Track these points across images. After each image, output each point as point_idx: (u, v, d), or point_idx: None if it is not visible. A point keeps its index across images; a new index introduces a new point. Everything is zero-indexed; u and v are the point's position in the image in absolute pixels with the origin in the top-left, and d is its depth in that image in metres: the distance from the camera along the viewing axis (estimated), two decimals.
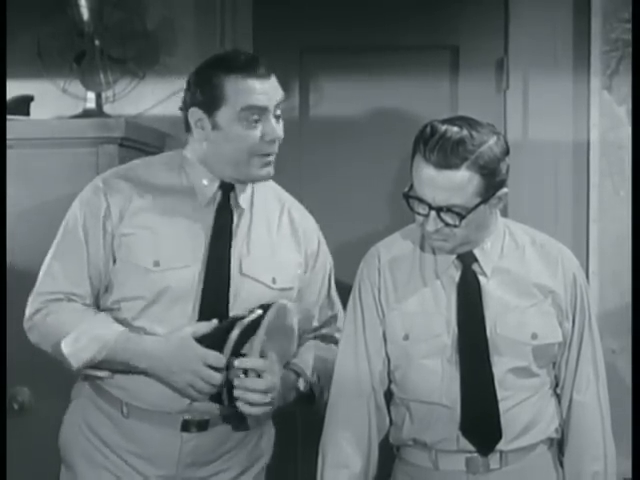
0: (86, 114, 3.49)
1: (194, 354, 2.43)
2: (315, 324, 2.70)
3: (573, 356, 2.47)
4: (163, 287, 2.50)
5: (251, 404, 2.41)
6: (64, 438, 2.67)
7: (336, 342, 2.64)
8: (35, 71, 3.52)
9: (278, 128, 2.53)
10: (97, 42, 3.47)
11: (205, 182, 2.57)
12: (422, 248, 2.49)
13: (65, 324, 2.51)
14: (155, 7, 3.63)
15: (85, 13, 3.44)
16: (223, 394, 2.44)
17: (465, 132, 2.29)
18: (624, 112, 3.46)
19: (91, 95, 3.52)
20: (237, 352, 2.42)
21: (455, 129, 2.29)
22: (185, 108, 2.55)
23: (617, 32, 3.45)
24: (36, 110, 3.51)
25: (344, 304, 2.62)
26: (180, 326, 2.48)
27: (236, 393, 2.41)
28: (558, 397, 2.50)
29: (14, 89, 3.46)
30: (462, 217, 2.31)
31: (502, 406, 2.39)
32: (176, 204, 2.56)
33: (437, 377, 2.41)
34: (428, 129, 2.32)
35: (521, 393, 2.42)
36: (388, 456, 2.56)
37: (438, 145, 2.27)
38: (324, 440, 2.51)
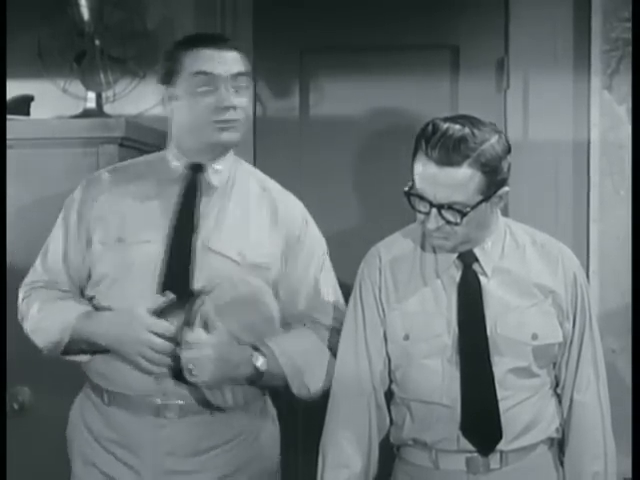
0: (86, 114, 3.49)
1: (140, 323, 2.47)
2: (301, 308, 2.67)
3: (573, 356, 2.47)
4: (127, 262, 2.57)
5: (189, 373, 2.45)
6: (67, 436, 2.72)
7: (322, 326, 2.64)
8: (35, 71, 3.52)
9: (232, 96, 2.56)
10: (97, 42, 3.47)
11: (175, 163, 2.65)
12: (423, 248, 2.49)
13: (35, 308, 2.62)
14: (155, 7, 3.63)
15: (85, 13, 3.45)
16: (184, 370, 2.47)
17: (467, 130, 2.30)
18: (624, 111, 3.45)
19: (91, 95, 3.52)
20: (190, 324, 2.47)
21: (457, 127, 2.30)
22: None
23: (617, 31, 3.45)
24: (36, 110, 3.51)
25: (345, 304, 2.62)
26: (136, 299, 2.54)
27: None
28: (558, 397, 2.50)
29: (14, 89, 3.47)
30: (463, 215, 2.31)
31: (502, 406, 2.39)
32: (147, 186, 2.65)
33: (437, 377, 2.41)
34: (430, 127, 2.32)
35: (521, 393, 2.42)
36: (388, 456, 2.56)
37: (440, 142, 2.28)
38: (324, 440, 2.52)
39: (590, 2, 3.46)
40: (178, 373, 2.48)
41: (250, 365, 2.50)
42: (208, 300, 2.47)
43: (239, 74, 2.58)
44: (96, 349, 2.57)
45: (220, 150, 2.63)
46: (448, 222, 2.32)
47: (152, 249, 2.57)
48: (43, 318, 2.60)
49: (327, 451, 2.50)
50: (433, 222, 2.33)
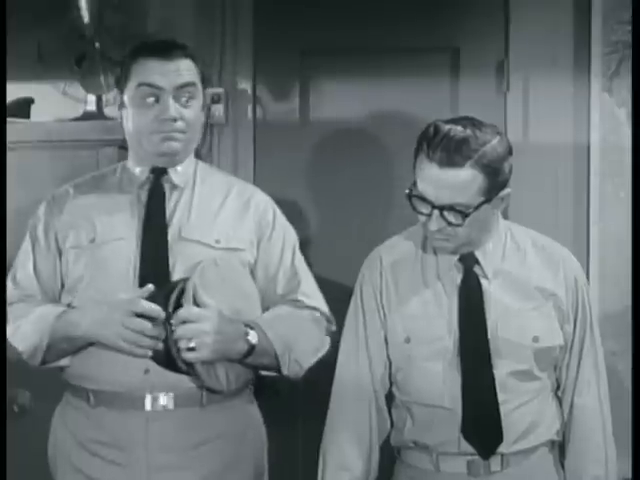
0: (86, 117, 3.49)
1: (119, 305, 2.49)
2: (280, 292, 2.70)
3: (574, 359, 2.48)
4: (102, 261, 2.60)
5: (189, 349, 2.44)
6: (49, 445, 2.72)
7: (303, 306, 2.67)
8: (35, 74, 3.52)
9: (175, 108, 2.59)
10: (97, 45, 3.47)
11: (137, 170, 2.70)
12: (424, 250, 2.49)
13: (12, 317, 2.62)
14: (155, 10, 3.62)
15: (85, 16, 3.44)
16: (173, 352, 2.45)
17: (469, 131, 2.30)
18: (624, 114, 3.45)
19: (91, 98, 3.52)
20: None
21: (459, 128, 2.30)
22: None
23: (617, 34, 3.45)
24: (36, 113, 3.51)
25: (345, 307, 2.61)
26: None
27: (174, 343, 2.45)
28: (559, 400, 2.51)
29: (14, 91, 3.46)
30: (465, 216, 2.31)
31: (503, 409, 2.39)
32: (112, 194, 2.70)
33: (438, 380, 2.41)
34: (432, 129, 2.32)
35: (522, 396, 2.42)
36: (389, 459, 2.56)
37: (442, 144, 2.28)
38: (325, 442, 2.52)
39: (590, 5, 3.46)
40: (168, 358, 2.47)
41: (243, 340, 2.52)
42: (194, 279, 2.47)
43: (185, 85, 2.61)
44: (77, 344, 2.57)
45: (169, 158, 2.67)
46: (450, 224, 2.32)
47: (125, 245, 2.60)
48: (22, 324, 2.61)
49: (328, 454, 2.50)
50: (435, 224, 2.33)
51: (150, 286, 2.50)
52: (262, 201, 2.76)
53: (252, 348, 2.52)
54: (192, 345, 2.43)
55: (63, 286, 2.67)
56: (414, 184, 2.35)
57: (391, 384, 2.51)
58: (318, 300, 2.72)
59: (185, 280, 2.50)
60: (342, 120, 3.64)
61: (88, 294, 2.60)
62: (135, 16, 3.56)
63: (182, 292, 2.48)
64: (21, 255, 2.73)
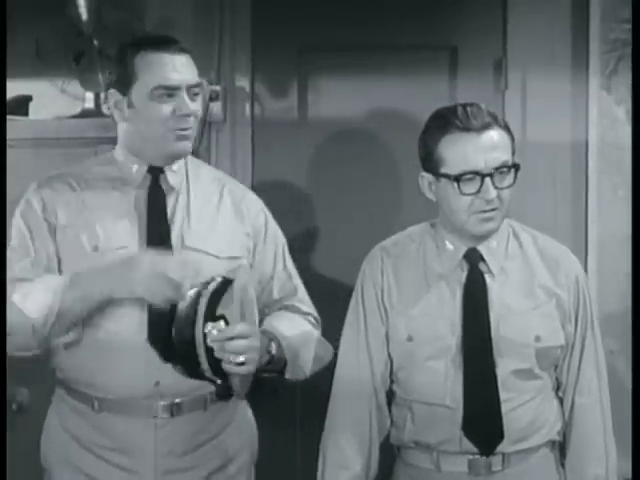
0: (84, 114, 3.49)
1: (151, 259, 2.43)
2: (275, 296, 2.70)
3: (575, 359, 2.48)
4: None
5: (237, 364, 2.38)
6: (43, 445, 2.69)
7: (300, 312, 2.67)
8: (33, 71, 3.51)
9: (191, 104, 2.56)
10: (96, 42, 3.46)
11: (134, 169, 2.63)
12: (425, 249, 2.49)
13: (18, 288, 2.50)
14: (153, 7, 3.62)
15: (84, 13, 3.44)
16: (203, 363, 2.40)
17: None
18: (623, 112, 3.45)
19: (89, 95, 3.51)
20: (212, 319, 2.40)
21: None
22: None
23: (616, 32, 3.45)
24: (35, 110, 3.51)
25: (345, 305, 2.61)
26: (128, 308, 2.50)
27: (220, 355, 2.37)
28: (560, 399, 2.51)
29: (12, 89, 3.45)
30: (517, 169, 2.36)
31: (505, 407, 2.40)
32: (109, 192, 2.62)
33: (441, 378, 2.41)
34: (443, 110, 2.40)
35: (524, 395, 2.42)
36: (389, 457, 2.56)
37: (468, 113, 2.34)
38: (325, 441, 2.52)
39: (588, 3, 3.46)
40: (194, 368, 2.43)
41: (267, 351, 2.52)
42: (235, 292, 2.42)
43: (195, 84, 2.57)
44: (92, 304, 2.48)
45: (176, 157, 2.64)
46: (502, 189, 2.34)
47: (128, 255, 2.53)
48: (30, 290, 2.49)
49: (327, 452, 2.51)
50: (491, 191, 2.33)
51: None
52: (253, 204, 2.74)
53: (272, 358, 2.53)
54: (241, 360, 2.39)
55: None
56: (445, 170, 2.35)
57: (392, 382, 2.51)
58: (310, 305, 2.73)
59: (202, 290, 2.46)
60: (340, 118, 3.63)
61: None
62: (133, 13, 3.55)
63: (212, 297, 2.42)
64: (15, 248, 2.59)
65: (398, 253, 2.51)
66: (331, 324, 2.71)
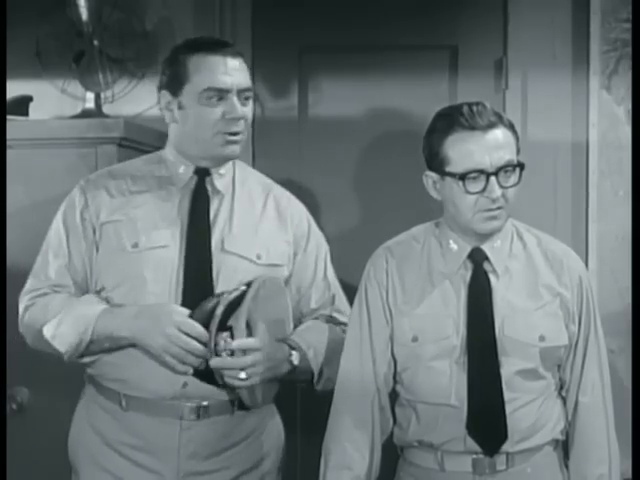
0: (85, 114, 3.49)
1: (169, 319, 2.45)
2: (313, 305, 2.70)
3: (579, 358, 2.48)
4: (144, 268, 2.54)
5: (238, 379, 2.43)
6: (71, 441, 2.69)
7: (336, 322, 2.67)
8: (34, 71, 3.52)
9: (241, 108, 2.55)
10: (96, 42, 3.47)
11: (181, 169, 2.62)
12: (429, 249, 2.48)
13: (48, 312, 2.55)
14: (154, 7, 3.63)
15: (84, 13, 3.44)
16: (216, 373, 2.44)
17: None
18: (623, 112, 3.46)
19: (90, 95, 3.52)
20: (223, 328, 2.43)
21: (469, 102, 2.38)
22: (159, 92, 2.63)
23: (616, 32, 3.45)
24: (35, 110, 3.50)
25: (349, 304, 2.61)
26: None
27: (223, 370, 2.43)
28: (564, 399, 2.50)
29: (13, 89, 3.46)
30: (521, 168, 2.36)
31: (509, 407, 2.39)
32: (155, 191, 2.62)
33: (445, 378, 2.40)
34: (449, 108, 2.40)
35: (528, 395, 2.42)
36: (391, 457, 2.55)
37: (473, 111, 2.34)
38: (327, 441, 2.51)
39: (589, 3, 3.47)
40: (207, 376, 2.47)
41: (287, 362, 2.52)
42: (245, 301, 2.44)
43: (245, 89, 2.56)
44: (120, 344, 2.52)
45: (224, 161, 2.63)
46: (507, 187, 2.34)
47: (168, 253, 2.55)
48: (60, 322, 2.53)
49: (330, 452, 2.49)
50: (496, 190, 2.33)
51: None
52: (297, 211, 2.72)
53: (294, 369, 2.53)
54: (243, 376, 2.42)
55: (97, 282, 2.60)
56: (450, 169, 2.35)
57: (395, 383, 2.50)
58: (346, 314, 2.68)
59: (223, 295, 2.47)
60: (341, 117, 3.64)
61: (127, 300, 2.55)
62: (133, 14, 3.55)
63: (225, 309, 2.44)
64: (54, 242, 2.62)
65: (402, 253, 2.51)
66: None
